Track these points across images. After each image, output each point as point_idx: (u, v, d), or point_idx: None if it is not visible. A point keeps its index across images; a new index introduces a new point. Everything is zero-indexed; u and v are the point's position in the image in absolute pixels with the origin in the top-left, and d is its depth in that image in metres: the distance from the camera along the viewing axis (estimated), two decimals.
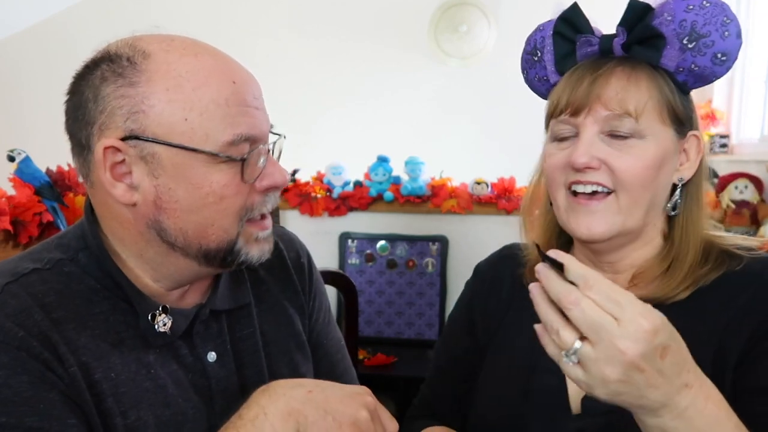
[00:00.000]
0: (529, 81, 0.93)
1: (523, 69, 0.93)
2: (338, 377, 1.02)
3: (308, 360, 0.95)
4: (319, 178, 2.54)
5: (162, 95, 0.69)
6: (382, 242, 2.48)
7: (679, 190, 0.85)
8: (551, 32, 0.88)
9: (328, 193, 2.49)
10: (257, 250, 0.79)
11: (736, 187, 2.36)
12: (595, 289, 0.58)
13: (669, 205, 0.85)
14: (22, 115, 3.24)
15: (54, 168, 1.89)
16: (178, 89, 0.69)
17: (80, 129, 0.72)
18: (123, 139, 0.70)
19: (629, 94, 0.79)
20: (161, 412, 0.75)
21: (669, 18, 0.79)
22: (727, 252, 0.83)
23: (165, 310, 0.77)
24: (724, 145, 2.61)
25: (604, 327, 0.57)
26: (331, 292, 1.74)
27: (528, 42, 0.91)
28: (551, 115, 0.85)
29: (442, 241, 2.45)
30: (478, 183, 2.39)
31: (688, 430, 0.61)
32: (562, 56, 0.87)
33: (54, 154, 2.07)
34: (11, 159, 1.77)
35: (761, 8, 2.60)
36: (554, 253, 0.61)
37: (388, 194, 2.43)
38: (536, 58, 0.90)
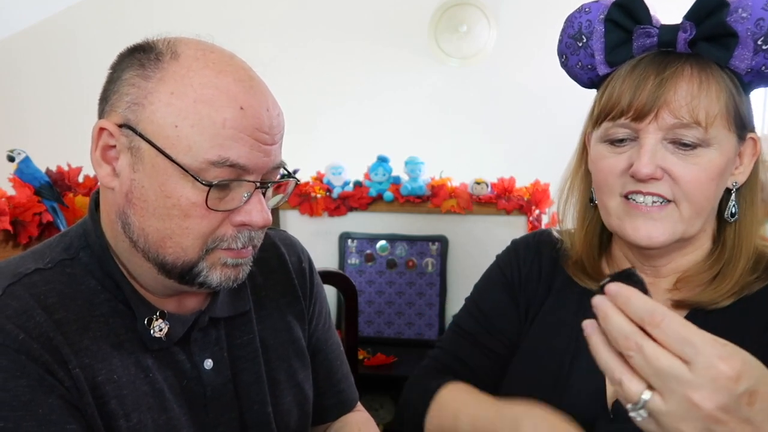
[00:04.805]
0: (568, 67, 0.84)
1: (562, 53, 0.84)
2: (337, 383, 1.01)
3: (307, 366, 0.95)
4: (319, 178, 2.53)
5: (164, 97, 0.69)
6: (382, 242, 2.48)
7: (734, 195, 0.80)
8: (601, 17, 0.79)
9: (328, 193, 2.48)
10: (220, 275, 0.75)
11: None
12: (663, 326, 0.49)
13: (727, 212, 0.80)
14: (22, 115, 3.23)
15: (54, 168, 1.89)
16: (181, 96, 0.68)
17: (100, 102, 0.75)
18: (120, 126, 0.70)
19: (700, 101, 0.72)
20: (158, 416, 0.75)
21: (744, 15, 0.71)
22: None
23: (162, 316, 0.77)
24: None
25: (674, 376, 0.49)
26: (330, 292, 1.75)
27: (570, 24, 0.82)
28: (606, 116, 0.77)
29: (442, 241, 2.45)
30: (478, 183, 2.38)
31: None
32: (615, 46, 0.78)
33: (54, 154, 2.08)
34: (11, 159, 1.77)
35: None
36: (616, 287, 0.53)
37: (388, 194, 2.42)
38: (581, 44, 0.80)
